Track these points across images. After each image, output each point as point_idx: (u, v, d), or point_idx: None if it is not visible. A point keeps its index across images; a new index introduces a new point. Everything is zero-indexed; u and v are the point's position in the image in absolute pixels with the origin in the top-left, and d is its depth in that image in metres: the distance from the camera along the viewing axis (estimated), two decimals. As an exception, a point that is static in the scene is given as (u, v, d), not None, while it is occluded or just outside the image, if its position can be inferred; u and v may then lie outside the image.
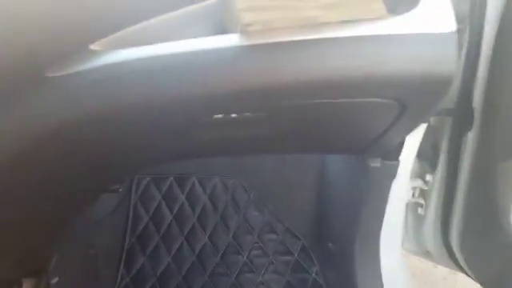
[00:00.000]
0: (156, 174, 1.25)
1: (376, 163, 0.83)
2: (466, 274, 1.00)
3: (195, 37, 0.55)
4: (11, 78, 0.53)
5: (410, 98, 0.59)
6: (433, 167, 0.99)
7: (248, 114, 0.62)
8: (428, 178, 1.01)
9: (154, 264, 1.14)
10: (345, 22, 0.54)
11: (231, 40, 0.53)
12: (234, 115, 0.62)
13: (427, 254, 1.12)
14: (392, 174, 0.86)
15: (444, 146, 0.95)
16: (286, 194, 1.21)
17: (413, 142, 0.90)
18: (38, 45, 0.54)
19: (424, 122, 0.86)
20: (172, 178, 1.26)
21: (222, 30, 0.58)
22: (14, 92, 0.53)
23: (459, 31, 0.54)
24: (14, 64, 0.53)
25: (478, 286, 0.96)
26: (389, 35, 0.54)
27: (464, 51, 0.79)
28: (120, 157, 0.69)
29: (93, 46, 0.54)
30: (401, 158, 0.87)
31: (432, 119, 0.96)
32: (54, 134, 0.56)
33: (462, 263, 0.98)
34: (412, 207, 1.09)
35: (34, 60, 0.53)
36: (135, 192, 1.21)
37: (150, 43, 0.54)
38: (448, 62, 0.54)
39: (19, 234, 0.72)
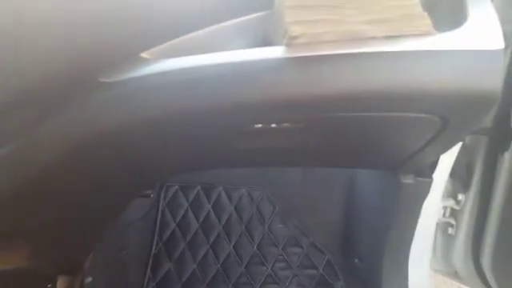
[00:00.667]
0: (184, 183, 1.27)
1: (409, 179, 0.82)
2: (495, 295, 0.97)
3: (242, 48, 0.57)
4: (65, 81, 0.56)
5: (453, 114, 0.59)
6: (466, 187, 0.98)
7: (286, 124, 0.63)
8: (460, 197, 0.99)
9: (179, 270, 1.15)
10: (391, 37, 0.55)
11: (277, 52, 0.54)
12: (273, 125, 0.63)
13: (455, 275, 1.09)
14: (424, 192, 0.84)
15: (478, 166, 0.94)
16: (312, 208, 1.21)
17: (447, 160, 0.89)
18: (92, 50, 0.56)
19: (460, 141, 0.85)
20: (199, 187, 1.27)
21: (268, 43, 0.59)
22: (67, 95, 0.56)
23: (502, 50, 0.54)
24: (69, 68, 0.56)
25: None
26: (435, 51, 0.54)
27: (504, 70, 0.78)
28: (160, 162, 0.71)
29: (144, 54, 0.56)
30: (434, 175, 0.86)
31: (467, 138, 0.95)
32: (101, 137, 0.58)
33: (493, 285, 0.95)
34: (442, 227, 1.07)
35: (88, 65, 0.56)
36: (164, 199, 1.24)
37: (198, 53, 0.56)
38: (494, 79, 0.54)
39: (59, 233, 0.74)
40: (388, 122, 0.61)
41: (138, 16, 0.56)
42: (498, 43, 0.53)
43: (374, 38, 0.55)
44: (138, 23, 0.56)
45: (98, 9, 0.55)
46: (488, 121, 0.88)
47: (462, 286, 1.11)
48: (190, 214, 1.23)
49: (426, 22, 0.55)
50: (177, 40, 0.56)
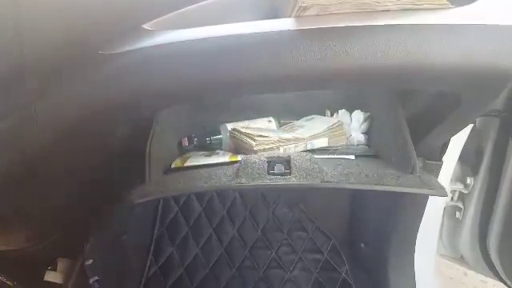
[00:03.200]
0: (187, 166, 1.25)
1: (418, 162, 0.80)
2: (501, 279, 0.96)
3: (248, 20, 0.54)
4: (65, 53, 0.54)
5: (466, 91, 0.57)
6: (475, 170, 0.96)
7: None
8: (469, 181, 0.97)
9: (182, 254, 1.15)
10: (404, 10, 0.52)
11: (286, 24, 0.52)
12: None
13: (461, 259, 1.08)
14: (434, 175, 0.82)
15: (488, 150, 0.92)
16: (317, 193, 1.19)
17: (456, 143, 0.87)
18: (93, 22, 0.54)
19: (470, 122, 0.82)
20: (203, 170, 1.25)
21: (277, 15, 0.57)
22: (67, 67, 0.54)
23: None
24: (69, 40, 0.54)
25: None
26: (450, 25, 0.52)
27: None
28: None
29: (146, 26, 0.54)
30: (443, 159, 0.84)
31: (477, 121, 0.93)
32: (103, 110, 0.56)
33: (499, 268, 0.94)
34: (449, 211, 1.05)
35: (88, 37, 0.54)
36: (166, 182, 1.22)
37: (202, 25, 0.54)
38: (510, 55, 0.52)
39: (60, 215, 0.73)
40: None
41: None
42: (514, 18, 0.51)
43: (386, 11, 0.52)
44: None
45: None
46: (500, 102, 0.85)
47: (467, 271, 1.10)
48: (193, 198, 1.21)
49: (442, -6, 0.53)
50: (181, 11, 0.54)
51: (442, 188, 0.62)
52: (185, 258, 1.14)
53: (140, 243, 1.13)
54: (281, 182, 0.63)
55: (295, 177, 0.63)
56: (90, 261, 0.85)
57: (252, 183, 0.63)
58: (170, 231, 1.18)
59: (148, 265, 1.12)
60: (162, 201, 1.19)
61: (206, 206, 1.21)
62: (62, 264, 0.86)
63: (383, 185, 0.62)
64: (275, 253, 1.15)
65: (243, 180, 0.63)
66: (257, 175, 0.64)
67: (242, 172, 0.64)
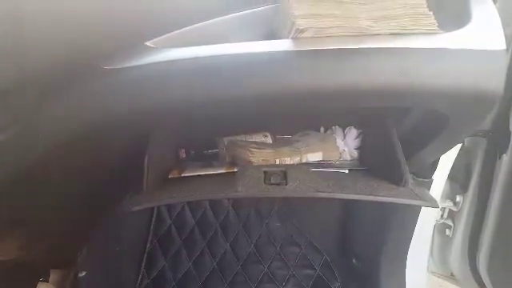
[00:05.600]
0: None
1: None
2: (491, 299, 0.97)
3: (246, 40, 0.57)
4: (67, 66, 0.55)
5: (453, 112, 0.59)
6: (464, 188, 0.98)
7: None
8: (458, 199, 0.99)
9: (174, 268, 1.14)
10: (396, 35, 0.55)
11: (283, 45, 0.54)
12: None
13: (451, 277, 1.09)
14: (424, 192, 0.84)
15: (477, 168, 0.94)
16: (309, 207, 1.20)
17: (446, 161, 0.89)
18: (96, 37, 0.56)
19: (459, 142, 0.85)
20: (197, 184, 1.26)
21: (274, 36, 0.59)
22: (68, 80, 0.55)
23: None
24: (71, 54, 0.55)
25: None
26: (439, 49, 0.54)
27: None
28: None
29: (149, 43, 0.56)
30: (433, 176, 0.86)
31: (466, 140, 0.95)
32: (101, 124, 0.57)
33: (489, 286, 0.95)
34: (439, 228, 1.07)
35: (91, 52, 0.56)
36: (160, 194, 1.22)
37: (203, 44, 0.56)
38: (496, 79, 0.55)
39: (54, 222, 0.73)
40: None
41: (143, 5, 0.56)
42: (501, 44, 0.54)
43: (379, 35, 0.55)
44: (144, 12, 0.56)
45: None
46: (487, 123, 0.88)
47: (457, 288, 1.11)
48: (187, 210, 1.22)
49: (431, 21, 0.55)
50: (182, 30, 0.56)
51: (434, 200, 0.64)
52: (177, 272, 1.14)
53: (133, 255, 1.12)
54: (277, 191, 0.65)
55: (291, 187, 0.65)
56: (84, 273, 0.84)
57: (249, 192, 0.64)
58: (163, 244, 1.17)
59: (140, 277, 1.12)
60: (155, 213, 1.20)
61: (199, 219, 1.21)
62: (54, 275, 0.85)
63: (377, 195, 0.63)
64: (267, 268, 1.15)
65: (239, 189, 0.64)
66: (253, 185, 0.65)
67: (239, 182, 0.65)
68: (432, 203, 0.63)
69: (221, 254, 1.17)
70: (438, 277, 1.12)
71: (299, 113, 0.78)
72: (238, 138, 0.90)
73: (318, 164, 0.82)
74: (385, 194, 0.63)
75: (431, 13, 0.56)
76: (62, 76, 0.55)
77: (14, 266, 0.80)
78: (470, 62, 0.54)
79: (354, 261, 1.10)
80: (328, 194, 0.63)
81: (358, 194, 0.63)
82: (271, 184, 0.65)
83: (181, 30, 0.57)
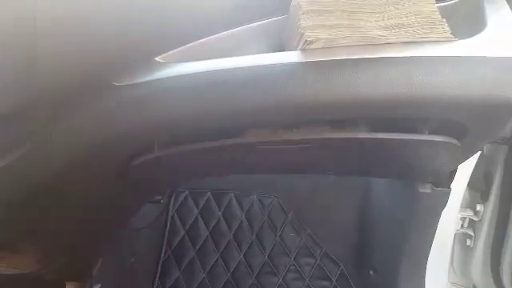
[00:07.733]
0: (194, 189, 1.26)
1: (426, 189, 0.80)
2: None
3: (257, 53, 0.56)
4: (78, 83, 0.56)
5: (472, 121, 0.57)
6: (484, 197, 0.95)
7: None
8: (479, 208, 0.96)
9: (188, 279, 1.14)
10: (408, 43, 0.53)
11: (292, 57, 0.53)
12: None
13: (473, 288, 1.06)
14: (442, 202, 0.82)
15: (498, 176, 0.91)
16: (325, 217, 1.18)
17: (465, 170, 0.86)
18: (106, 54, 0.56)
19: (479, 150, 0.82)
20: (210, 193, 1.26)
21: (283, 48, 0.59)
22: (80, 97, 0.56)
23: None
24: (82, 70, 0.56)
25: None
26: (454, 57, 0.52)
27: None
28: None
29: (158, 58, 0.56)
30: (452, 185, 0.83)
31: (486, 148, 0.92)
32: (114, 140, 0.58)
33: (513, 299, 0.92)
34: (460, 238, 1.04)
35: (102, 68, 0.56)
36: (173, 205, 1.23)
37: (212, 58, 0.56)
38: None
39: (70, 237, 0.74)
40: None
41: (153, 20, 0.56)
42: (518, 50, 0.52)
43: (390, 44, 0.54)
44: (153, 27, 0.56)
45: (113, 12, 0.55)
46: (507, 130, 0.85)
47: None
48: (200, 220, 1.22)
49: (445, 28, 0.54)
50: (191, 44, 0.56)
51: None
52: (191, 283, 1.13)
53: (147, 267, 1.13)
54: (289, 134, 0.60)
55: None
56: (98, 285, 0.85)
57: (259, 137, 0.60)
58: (177, 255, 1.17)
59: (155, 288, 1.12)
60: (169, 224, 1.20)
61: (212, 230, 1.21)
62: (69, 288, 0.86)
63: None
64: (282, 279, 1.14)
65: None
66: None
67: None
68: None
69: (235, 265, 1.16)
70: (459, 288, 1.08)
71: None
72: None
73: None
74: None
75: (444, 20, 0.54)
76: (74, 91, 0.56)
77: (31, 279, 0.81)
78: (486, 69, 0.52)
79: (371, 272, 1.07)
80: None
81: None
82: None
83: (190, 44, 0.57)
